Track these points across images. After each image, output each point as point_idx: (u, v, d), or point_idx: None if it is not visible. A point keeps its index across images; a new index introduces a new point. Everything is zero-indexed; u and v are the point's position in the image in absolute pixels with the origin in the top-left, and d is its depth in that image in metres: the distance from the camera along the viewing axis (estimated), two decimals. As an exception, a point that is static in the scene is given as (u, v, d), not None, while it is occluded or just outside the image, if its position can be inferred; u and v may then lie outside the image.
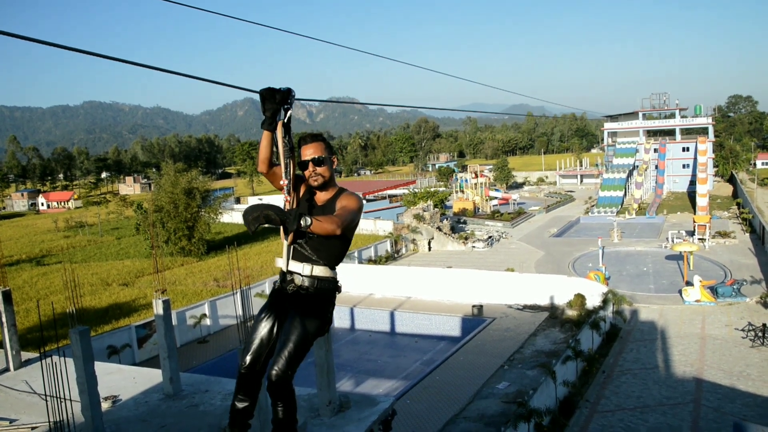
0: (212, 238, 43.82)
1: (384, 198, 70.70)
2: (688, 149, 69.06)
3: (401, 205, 54.95)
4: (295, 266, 3.76)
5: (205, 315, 23.17)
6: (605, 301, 22.97)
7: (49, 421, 5.56)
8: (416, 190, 57.31)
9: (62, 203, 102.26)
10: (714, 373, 18.75)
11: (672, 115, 75.92)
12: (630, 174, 64.71)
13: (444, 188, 71.40)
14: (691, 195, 58.76)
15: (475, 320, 23.23)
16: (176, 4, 5.24)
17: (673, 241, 37.82)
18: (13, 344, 7.78)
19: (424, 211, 44.55)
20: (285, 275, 3.82)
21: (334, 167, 3.88)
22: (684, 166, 69.23)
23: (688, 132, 73.72)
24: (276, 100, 3.53)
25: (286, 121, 3.64)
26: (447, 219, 47.60)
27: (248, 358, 3.74)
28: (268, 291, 25.70)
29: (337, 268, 3.92)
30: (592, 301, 22.80)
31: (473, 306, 24.06)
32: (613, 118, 79.43)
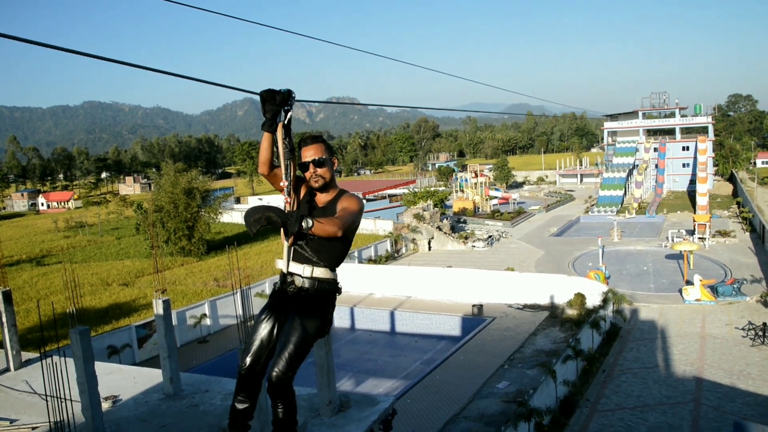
0: (212, 238, 43.84)
1: (384, 198, 70.77)
2: (688, 148, 69.05)
3: (401, 205, 54.98)
4: (296, 268, 3.76)
5: (205, 315, 23.17)
6: (605, 301, 22.97)
7: (49, 421, 5.57)
8: (416, 190, 57.32)
9: (62, 203, 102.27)
10: (714, 372, 18.75)
11: (672, 114, 75.92)
12: (630, 173, 64.70)
13: (444, 188, 71.42)
14: (691, 194, 58.75)
15: (475, 320, 23.24)
16: (176, 3, 5.24)
17: (673, 240, 37.81)
18: (14, 344, 7.78)
19: (424, 210, 44.56)
20: (285, 276, 3.82)
21: (334, 168, 3.88)
22: (684, 165, 69.22)
23: (688, 131, 73.71)
24: (276, 102, 3.53)
25: (286, 122, 3.64)
26: (447, 218, 47.60)
27: (248, 360, 3.74)
28: (268, 291, 25.71)
29: (337, 269, 3.92)
30: (592, 300, 22.80)
31: (473, 305, 24.07)
32: (613, 117, 79.41)
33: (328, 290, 3.83)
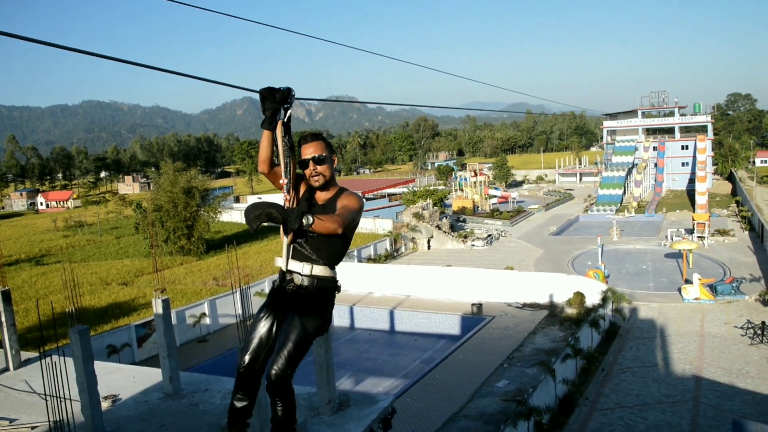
0: (211, 237, 43.82)
1: (383, 197, 70.65)
2: (687, 147, 69.09)
3: (400, 204, 54.97)
4: (295, 265, 3.75)
5: (204, 314, 23.16)
6: (604, 300, 22.98)
7: (49, 421, 5.57)
8: (415, 189, 57.34)
9: (61, 203, 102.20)
10: (713, 370, 18.77)
11: (671, 113, 75.98)
12: (629, 172, 64.75)
13: (443, 187, 71.47)
14: (691, 193, 58.81)
15: (474, 319, 23.24)
16: (175, 3, 5.23)
17: (672, 239, 37.83)
18: (13, 344, 7.79)
19: (424, 209, 44.56)
20: (284, 274, 3.81)
21: (334, 166, 3.88)
22: (683, 164, 69.26)
23: (687, 130, 73.77)
24: (276, 100, 3.53)
25: (286, 120, 3.64)
26: (446, 217, 47.59)
27: (247, 358, 3.74)
28: (267, 290, 25.69)
29: (336, 267, 3.92)
30: (592, 299, 22.80)
31: (473, 304, 24.07)
32: (613, 116, 79.46)
33: (328, 288, 3.83)
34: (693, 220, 40.48)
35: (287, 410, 3.74)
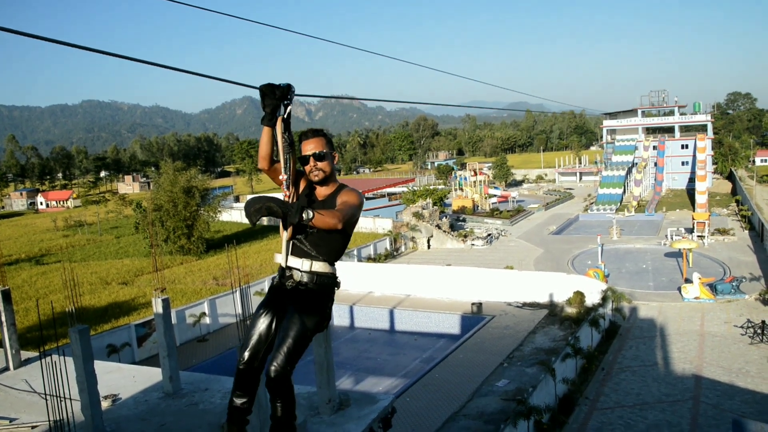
0: (211, 236, 43.84)
1: (383, 196, 70.74)
2: (687, 146, 69.09)
3: (400, 203, 54.99)
4: (294, 262, 3.75)
5: (204, 313, 23.16)
6: (604, 299, 22.98)
7: (49, 420, 5.57)
8: (415, 188, 57.35)
9: (61, 202, 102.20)
10: (713, 370, 18.78)
11: (671, 113, 76.00)
12: (629, 171, 64.74)
13: (443, 186, 71.42)
14: (690, 192, 58.80)
15: (474, 318, 23.24)
16: (175, 2, 5.23)
17: (672, 238, 37.81)
18: (13, 343, 7.78)
19: (423, 209, 44.57)
20: (284, 271, 3.81)
21: (335, 163, 3.88)
22: (683, 164, 69.26)
23: (687, 129, 73.75)
24: (276, 96, 3.53)
25: (285, 116, 3.65)
26: (446, 217, 47.60)
27: (246, 354, 3.73)
28: (267, 289, 25.69)
29: (336, 263, 3.92)
30: (592, 298, 22.81)
31: (472, 304, 24.08)
32: (612, 115, 79.44)
33: (327, 284, 3.82)
34: (693, 219, 40.48)
35: (287, 407, 3.73)
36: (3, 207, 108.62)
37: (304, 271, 3.74)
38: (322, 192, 3.84)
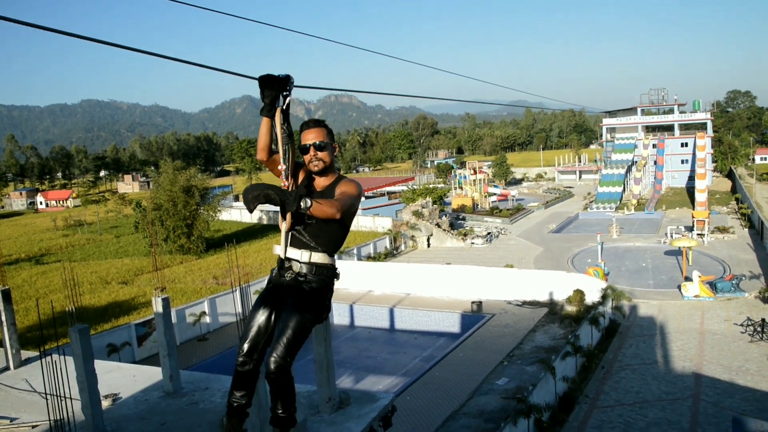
0: (211, 235, 43.82)
1: (383, 195, 70.60)
2: (686, 145, 69.10)
3: (400, 202, 54.94)
4: (294, 253, 3.75)
5: (204, 313, 23.16)
6: (604, 297, 22.99)
7: (49, 420, 5.58)
8: (415, 187, 57.32)
9: (61, 202, 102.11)
10: (713, 368, 18.79)
11: (671, 111, 75.99)
12: (629, 170, 64.73)
13: (443, 185, 71.35)
14: (690, 190, 58.80)
15: (474, 316, 23.25)
16: (175, 2, 5.22)
17: (672, 236, 37.82)
18: (13, 343, 7.79)
19: (423, 207, 44.56)
20: (283, 263, 3.81)
21: (335, 154, 3.89)
22: (683, 162, 69.27)
23: (686, 127, 73.72)
24: (275, 87, 3.55)
25: (285, 107, 3.66)
26: (446, 215, 47.61)
27: (246, 346, 3.72)
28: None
29: (335, 254, 3.92)
30: (591, 296, 22.82)
31: (472, 302, 24.08)
32: (612, 113, 79.43)
33: (326, 276, 3.82)
34: (693, 217, 40.48)
35: (286, 399, 3.73)
36: (3, 207, 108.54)
37: (304, 262, 3.74)
38: (321, 183, 3.85)
